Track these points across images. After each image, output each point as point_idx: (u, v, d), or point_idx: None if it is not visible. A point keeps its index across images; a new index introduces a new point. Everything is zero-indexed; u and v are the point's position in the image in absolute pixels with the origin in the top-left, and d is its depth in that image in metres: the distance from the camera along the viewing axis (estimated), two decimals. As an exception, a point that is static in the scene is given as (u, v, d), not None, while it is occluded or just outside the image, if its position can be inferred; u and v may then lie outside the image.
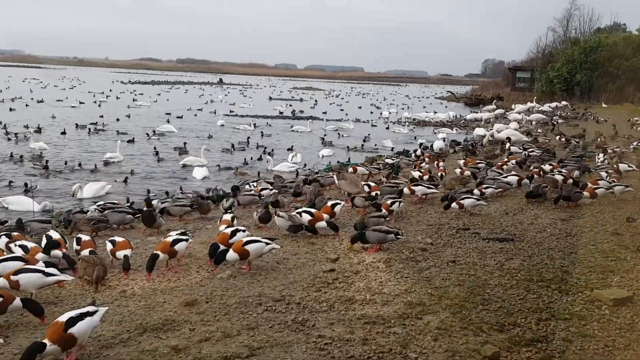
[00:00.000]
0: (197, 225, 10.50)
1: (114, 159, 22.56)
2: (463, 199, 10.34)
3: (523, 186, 12.54)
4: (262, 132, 33.32)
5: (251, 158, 25.20)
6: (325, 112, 52.20)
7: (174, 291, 6.52)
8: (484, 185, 11.89)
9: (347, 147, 27.67)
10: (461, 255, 7.78)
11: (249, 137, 29.97)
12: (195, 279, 6.97)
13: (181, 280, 6.93)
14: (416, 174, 13.80)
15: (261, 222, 9.13)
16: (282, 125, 41.13)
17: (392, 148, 28.50)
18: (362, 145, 28.83)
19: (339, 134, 33.92)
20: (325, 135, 32.30)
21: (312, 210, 9.14)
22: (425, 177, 13.21)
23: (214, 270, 7.08)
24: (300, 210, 9.22)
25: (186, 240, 7.34)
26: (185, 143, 26.57)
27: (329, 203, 9.70)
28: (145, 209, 9.60)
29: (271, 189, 12.52)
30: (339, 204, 9.68)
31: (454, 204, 10.38)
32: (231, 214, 9.58)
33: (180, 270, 7.28)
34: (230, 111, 47.01)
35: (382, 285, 6.58)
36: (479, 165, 15.58)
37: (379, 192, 11.29)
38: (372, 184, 11.69)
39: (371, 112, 54.40)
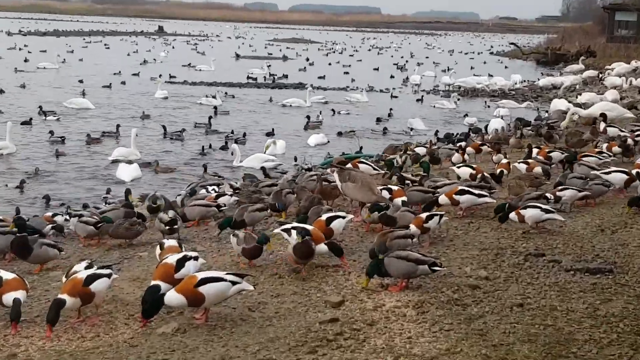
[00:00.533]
0: (125, 253, 10.49)
1: (2, 151, 22.61)
2: (525, 207, 10.38)
3: (631, 189, 12.57)
4: (216, 109, 33.29)
5: (209, 146, 25.42)
6: (322, 77, 52.45)
7: (91, 355, 6.48)
8: (561, 187, 11.88)
9: (352, 131, 27.82)
10: (532, 295, 7.80)
11: (210, 117, 30.28)
12: (123, 335, 6.97)
13: (102, 337, 6.92)
14: (464, 171, 13.92)
15: (246, 257, 9.13)
16: (256, 96, 41.28)
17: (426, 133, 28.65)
18: (383, 129, 29.03)
19: (333, 110, 34.16)
20: (310, 113, 32.42)
21: (308, 227, 9.18)
22: (478, 176, 13.24)
23: (143, 324, 7.08)
24: (288, 226, 9.27)
25: (108, 276, 7.29)
26: (103, 133, 26.46)
27: (324, 216, 9.76)
28: (19, 231, 9.43)
29: (231, 195, 12.92)
30: (340, 217, 9.74)
31: (512, 215, 10.43)
32: (174, 235, 9.58)
33: (101, 323, 7.25)
34: (172, 76, 47.40)
35: (411, 343, 6.57)
36: (553, 155, 15.62)
37: (404, 199, 11.28)
38: (395, 188, 11.69)
39: (392, 77, 54.76)
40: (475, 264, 8.93)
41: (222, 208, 12.17)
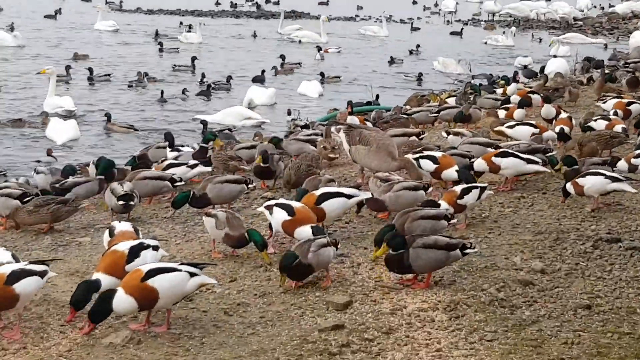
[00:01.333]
0: (59, 238, 10.51)
1: None
2: (585, 175, 10.47)
3: None
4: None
5: (183, 92, 25.58)
6: (325, 3, 52.09)
7: (15, 373, 6.50)
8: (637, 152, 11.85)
9: (337, 77, 27.54)
10: (604, 293, 7.82)
11: (195, 58, 30.25)
12: (57, 347, 6.97)
13: (30, 350, 6.92)
14: (522, 131, 13.87)
15: (230, 244, 9.19)
16: (235, 29, 41.18)
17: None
18: (418, 75, 28.77)
19: (319, 48, 33.77)
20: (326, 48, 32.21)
21: (295, 204, 9.25)
22: (528, 133, 13.24)
23: (87, 330, 7.09)
24: (272, 202, 9.38)
25: (40, 274, 7.26)
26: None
27: (318, 191, 9.84)
28: None
29: (194, 166, 13.05)
30: (338, 194, 9.75)
31: (568, 186, 10.54)
32: (127, 218, 9.63)
33: (28, 331, 7.26)
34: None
35: (441, 357, 6.59)
36: (632, 107, 15.58)
37: (456, 170, 11.15)
38: (439, 154, 11.55)
39: (414, 2, 54.25)
40: (527, 253, 8.90)
41: (178, 183, 12.25)
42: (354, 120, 15.99)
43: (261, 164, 12.23)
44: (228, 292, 7.89)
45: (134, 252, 7.70)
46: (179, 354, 6.76)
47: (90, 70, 28.37)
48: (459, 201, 9.80)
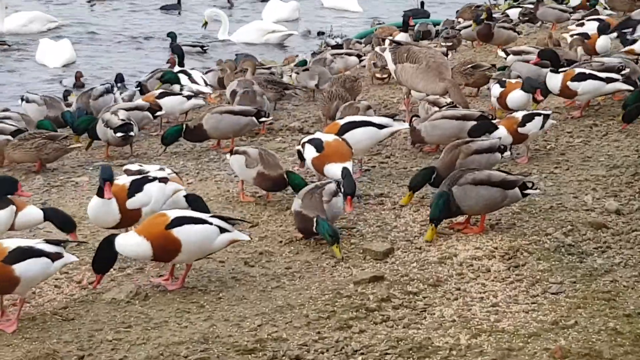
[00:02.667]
0: (52, 178, 10.62)
1: None
2: None
3: None
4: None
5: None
6: None
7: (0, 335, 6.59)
8: None
9: None
10: (691, 238, 7.78)
11: None
12: (52, 303, 7.04)
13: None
14: None
15: (264, 187, 9.18)
16: None
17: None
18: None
19: None
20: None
21: (326, 137, 9.21)
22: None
23: (95, 285, 7.16)
24: (305, 139, 9.36)
25: (50, 255, 6.87)
26: None
27: (342, 120, 9.84)
28: None
29: (191, 96, 13.01)
30: (365, 123, 9.70)
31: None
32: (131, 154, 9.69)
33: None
34: None
35: (498, 313, 6.60)
36: None
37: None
38: (513, 80, 11.47)
39: None
40: (600, 191, 8.87)
41: (158, 113, 12.34)
42: (404, 38, 15.88)
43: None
44: (249, 239, 7.88)
45: (136, 186, 7.74)
46: (191, 311, 6.80)
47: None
48: (520, 129, 9.69)
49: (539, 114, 9.88)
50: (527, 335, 6.23)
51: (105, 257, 7.02)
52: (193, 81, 14.22)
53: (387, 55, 11.71)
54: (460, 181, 7.84)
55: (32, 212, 7.73)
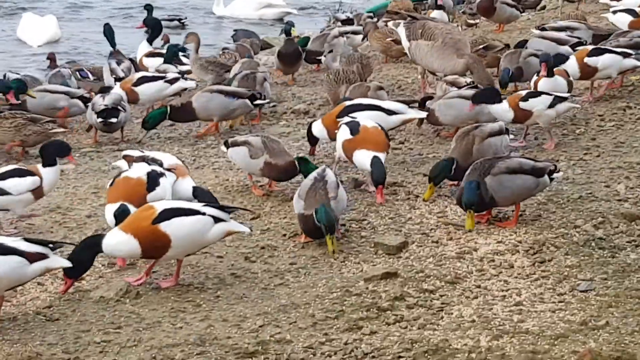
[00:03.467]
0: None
1: None
2: None
3: None
4: None
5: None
6: None
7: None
8: None
9: None
10: None
11: None
12: (35, 302, 7.06)
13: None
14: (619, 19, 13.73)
15: (271, 176, 9.17)
16: None
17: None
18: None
19: None
20: None
21: (366, 121, 9.13)
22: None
23: (63, 291, 7.06)
24: (343, 121, 9.32)
25: (26, 256, 6.95)
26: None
27: (348, 102, 9.89)
28: None
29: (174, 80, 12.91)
30: (372, 107, 9.70)
31: None
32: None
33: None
34: None
35: (521, 312, 6.60)
36: None
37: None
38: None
39: None
40: (633, 179, 8.85)
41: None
42: (439, 16, 15.90)
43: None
44: (249, 232, 7.88)
45: (154, 180, 7.85)
46: (187, 310, 6.80)
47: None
48: (521, 104, 9.70)
49: (560, 97, 9.85)
50: (553, 337, 6.20)
51: (85, 259, 6.92)
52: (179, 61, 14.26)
53: (401, 31, 11.73)
54: (494, 171, 7.85)
55: None
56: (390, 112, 9.68)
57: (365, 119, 9.25)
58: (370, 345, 6.18)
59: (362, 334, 6.33)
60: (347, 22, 18.49)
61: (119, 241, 6.94)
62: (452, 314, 6.59)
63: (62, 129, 11.54)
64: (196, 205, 7.25)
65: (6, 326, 6.65)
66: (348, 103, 9.77)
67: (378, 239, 7.82)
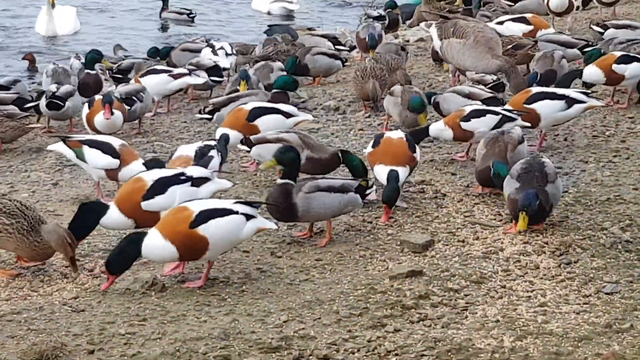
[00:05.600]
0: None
1: None
2: None
3: None
4: None
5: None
6: None
7: (7, 324, 6.60)
8: None
9: None
10: None
11: None
12: (61, 293, 7.11)
13: (27, 295, 7.10)
14: None
15: (311, 171, 9.02)
16: None
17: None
18: None
19: None
20: None
21: (390, 133, 9.10)
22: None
23: (105, 286, 7.14)
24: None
25: None
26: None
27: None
28: None
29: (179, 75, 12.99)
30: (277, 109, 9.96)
31: None
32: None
33: (26, 273, 7.47)
34: None
35: (545, 314, 6.59)
36: None
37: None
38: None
39: None
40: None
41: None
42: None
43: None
44: (276, 227, 7.90)
45: (158, 186, 7.73)
46: (212, 304, 6.82)
47: None
48: (463, 124, 9.54)
49: (490, 112, 9.67)
50: (577, 339, 6.20)
51: (126, 257, 7.02)
52: (215, 53, 14.26)
53: (433, 31, 11.69)
54: (553, 179, 7.91)
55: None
56: (288, 115, 9.98)
57: (393, 132, 9.17)
58: (394, 343, 6.19)
59: (385, 332, 6.34)
60: (379, 18, 18.44)
61: (156, 246, 6.98)
62: (476, 313, 6.59)
63: (37, 125, 11.87)
64: (228, 203, 7.23)
65: (32, 316, 6.70)
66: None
67: (404, 237, 7.83)
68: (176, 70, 12.94)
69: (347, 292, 6.91)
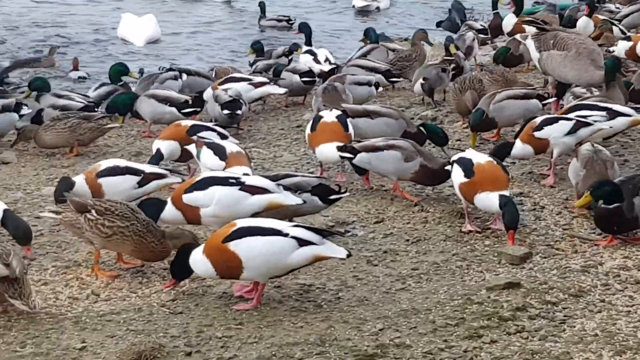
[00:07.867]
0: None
1: None
2: None
3: None
4: None
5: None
6: None
7: (107, 324, 6.72)
8: None
9: None
10: None
11: None
12: (159, 295, 7.23)
13: (127, 297, 7.21)
14: None
15: (423, 181, 9.08)
16: None
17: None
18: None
19: None
20: None
21: (478, 158, 8.59)
22: None
23: (167, 286, 7.27)
24: (454, 157, 8.75)
25: None
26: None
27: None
28: None
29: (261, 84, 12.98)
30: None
31: None
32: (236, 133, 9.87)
33: (125, 274, 7.59)
34: None
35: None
36: None
37: None
38: None
39: None
40: None
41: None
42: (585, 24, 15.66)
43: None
44: (373, 236, 7.94)
45: (200, 184, 7.79)
46: (308, 309, 6.88)
47: None
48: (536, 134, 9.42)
49: (563, 118, 9.58)
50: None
51: (180, 265, 7.07)
52: (317, 61, 14.33)
53: (530, 43, 11.58)
54: None
55: None
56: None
57: (477, 154, 8.64)
58: (490, 354, 6.17)
59: (482, 343, 6.32)
60: (482, 31, 18.28)
61: (196, 259, 6.95)
62: (574, 327, 6.52)
63: (115, 124, 11.95)
64: (281, 225, 6.96)
65: (131, 317, 6.82)
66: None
67: (501, 249, 7.81)
68: (257, 79, 12.93)
69: (444, 302, 6.91)
